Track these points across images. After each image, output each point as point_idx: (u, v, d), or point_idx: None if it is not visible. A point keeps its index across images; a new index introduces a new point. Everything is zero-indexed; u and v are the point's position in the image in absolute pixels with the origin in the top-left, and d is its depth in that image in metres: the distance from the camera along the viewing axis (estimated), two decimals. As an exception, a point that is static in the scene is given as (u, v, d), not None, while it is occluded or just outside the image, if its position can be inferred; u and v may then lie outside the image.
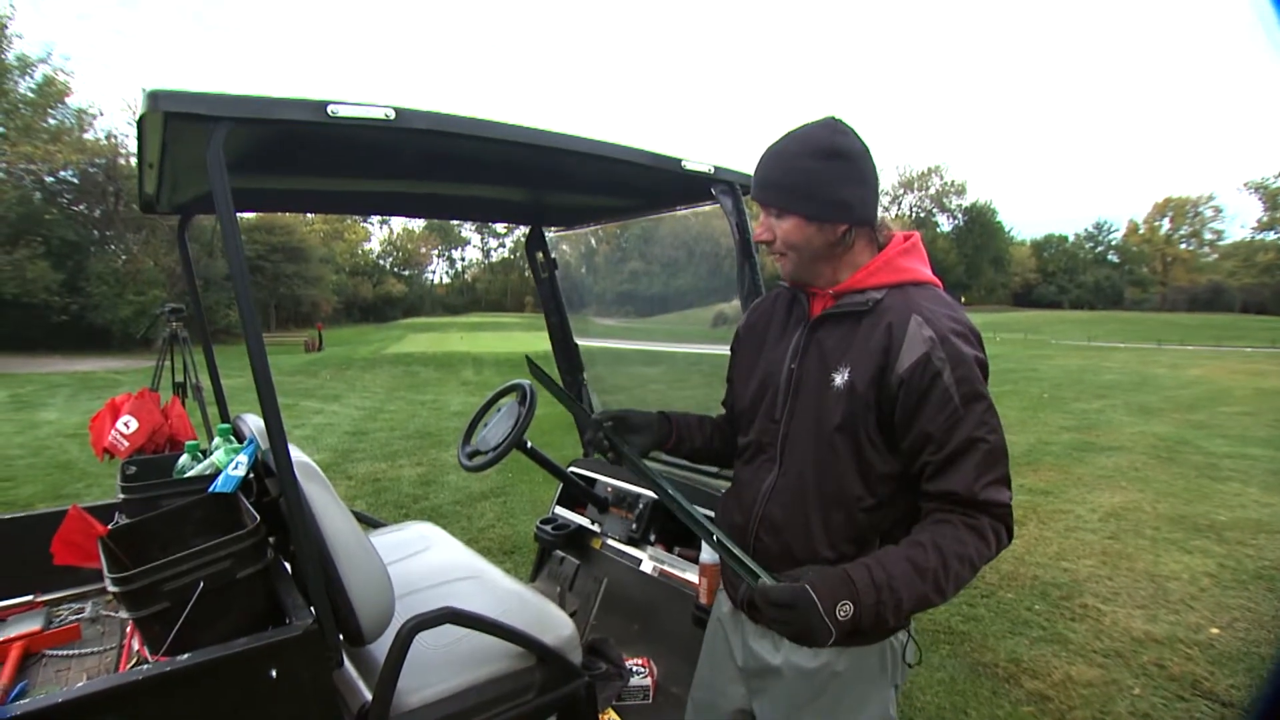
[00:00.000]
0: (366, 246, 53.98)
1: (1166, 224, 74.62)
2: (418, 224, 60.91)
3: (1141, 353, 21.28)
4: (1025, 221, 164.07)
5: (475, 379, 12.85)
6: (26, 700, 1.10)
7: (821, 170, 1.05)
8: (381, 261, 56.51)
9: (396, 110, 1.12)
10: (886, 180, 70.46)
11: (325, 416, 8.55)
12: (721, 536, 1.10)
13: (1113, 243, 77.97)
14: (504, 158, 1.49)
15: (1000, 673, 2.69)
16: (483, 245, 70.99)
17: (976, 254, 67.23)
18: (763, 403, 1.18)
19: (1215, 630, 3.01)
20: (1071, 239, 79.33)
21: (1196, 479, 5.62)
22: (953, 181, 69.19)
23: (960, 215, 69.00)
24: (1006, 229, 73.30)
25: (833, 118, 1.09)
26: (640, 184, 1.78)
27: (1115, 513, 4.75)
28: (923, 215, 68.81)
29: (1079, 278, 74.29)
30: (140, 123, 1.07)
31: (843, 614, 0.93)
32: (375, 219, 52.91)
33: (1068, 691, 2.54)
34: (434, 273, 69.59)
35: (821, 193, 1.05)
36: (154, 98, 0.96)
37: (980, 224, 68.17)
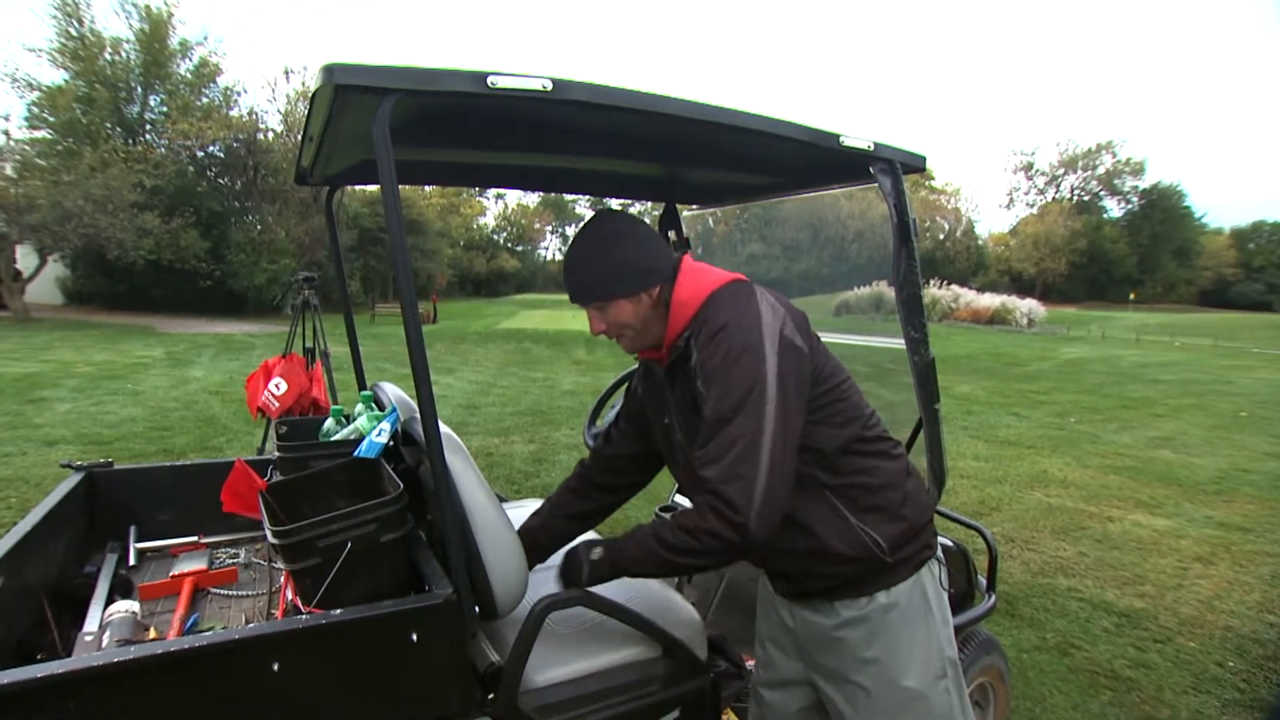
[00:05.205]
0: (481, 221, 54.43)
1: None
2: (532, 199, 61.01)
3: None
4: (1225, 206, 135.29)
5: (587, 359, 12.89)
6: (210, 632, 1.18)
7: (618, 254, 1.24)
8: (495, 236, 57.15)
9: (554, 81, 1.08)
10: (1043, 159, 60.19)
11: (439, 389, 8.88)
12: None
13: (1353, 230, 61.89)
14: (648, 131, 1.42)
15: (1182, 736, 2.35)
16: (594, 223, 71.32)
17: (1154, 244, 55.69)
18: (677, 455, 1.36)
19: None
20: (1292, 226, 63.86)
21: None
22: (1128, 160, 57.71)
23: (1135, 199, 57.88)
24: (1197, 215, 60.74)
25: (600, 210, 1.32)
26: (791, 161, 1.66)
27: (1353, 567, 3.93)
28: (1085, 199, 58.47)
29: (1297, 273, 59.32)
30: (313, 97, 1.09)
31: (595, 555, 1.29)
32: (491, 193, 54.08)
33: (1276, 772, 2.19)
34: (547, 249, 69.46)
35: (629, 271, 1.24)
36: (329, 71, 0.96)
37: (1161, 209, 56.63)
